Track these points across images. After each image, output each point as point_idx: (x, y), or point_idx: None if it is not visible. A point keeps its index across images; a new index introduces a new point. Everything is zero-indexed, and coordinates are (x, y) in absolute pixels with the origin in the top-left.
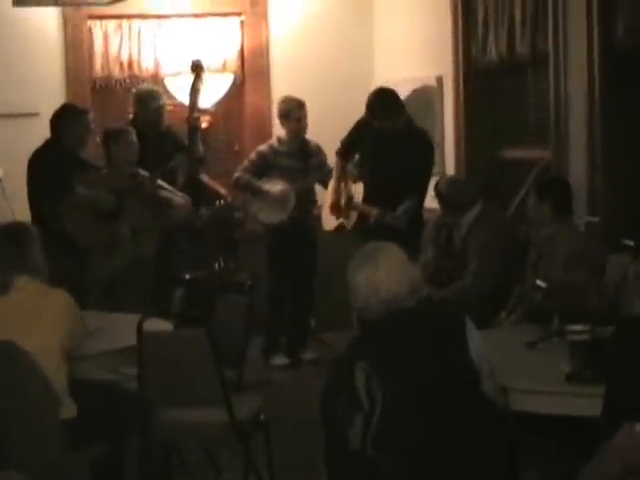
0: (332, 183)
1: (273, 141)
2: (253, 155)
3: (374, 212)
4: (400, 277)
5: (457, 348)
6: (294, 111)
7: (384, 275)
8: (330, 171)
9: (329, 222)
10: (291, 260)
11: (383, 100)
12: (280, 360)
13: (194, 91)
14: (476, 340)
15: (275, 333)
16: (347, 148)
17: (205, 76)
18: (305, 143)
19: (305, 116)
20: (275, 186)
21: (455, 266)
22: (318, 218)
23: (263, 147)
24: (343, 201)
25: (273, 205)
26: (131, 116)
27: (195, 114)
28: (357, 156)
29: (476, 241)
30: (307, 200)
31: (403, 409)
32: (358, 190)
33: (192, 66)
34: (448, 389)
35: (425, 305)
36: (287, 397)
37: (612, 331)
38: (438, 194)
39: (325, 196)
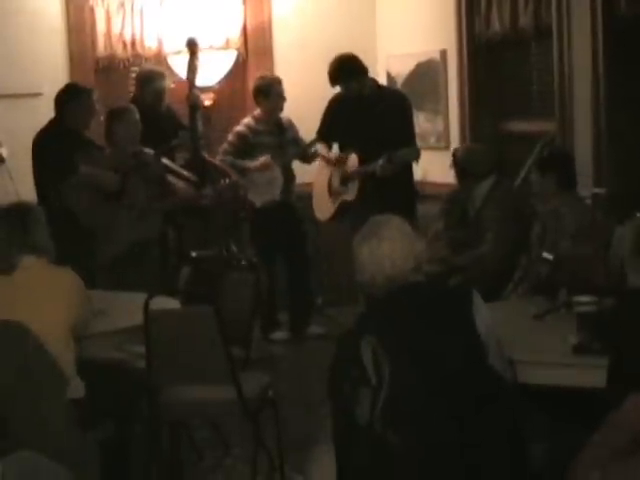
0: (323, 171)
1: (249, 120)
2: (231, 137)
3: (375, 167)
4: (406, 252)
5: (463, 323)
6: (276, 87)
7: (388, 250)
8: (308, 145)
9: (324, 212)
10: (279, 242)
11: (341, 63)
12: (280, 335)
13: (191, 69)
14: (483, 315)
15: (270, 309)
16: (324, 136)
17: (201, 54)
18: (279, 119)
19: (282, 93)
20: (257, 163)
21: (468, 238)
22: (299, 196)
23: (240, 127)
24: (338, 181)
25: (261, 185)
26: (131, 95)
27: (194, 92)
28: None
29: (491, 213)
30: (288, 177)
31: (410, 384)
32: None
33: (187, 44)
34: (454, 364)
35: (431, 280)
36: (287, 372)
37: (613, 303)
38: (455, 162)
39: (315, 186)
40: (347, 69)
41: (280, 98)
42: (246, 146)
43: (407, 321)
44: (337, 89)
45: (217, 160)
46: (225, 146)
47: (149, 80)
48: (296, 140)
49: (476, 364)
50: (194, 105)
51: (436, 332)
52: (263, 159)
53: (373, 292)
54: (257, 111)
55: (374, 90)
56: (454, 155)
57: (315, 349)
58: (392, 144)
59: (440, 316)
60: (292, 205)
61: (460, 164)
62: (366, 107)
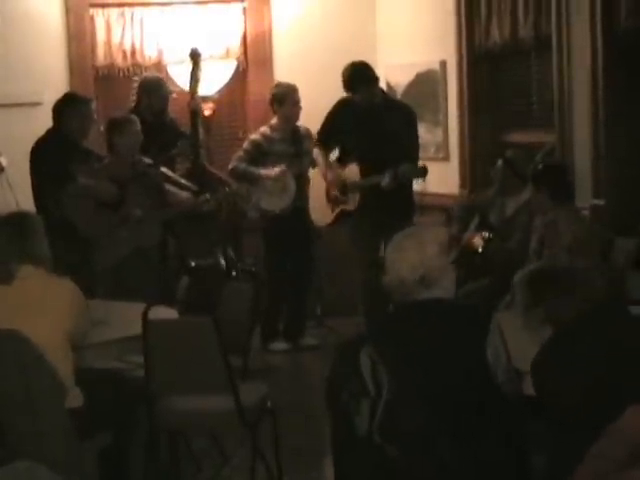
0: (323, 174)
1: (265, 129)
2: (247, 144)
3: (380, 180)
4: (438, 263)
5: (473, 346)
6: (291, 95)
7: (422, 257)
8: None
9: (325, 216)
10: (290, 247)
11: (359, 70)
12: (279, 346)
13: (193, 79)
14: (494, 337)
15: (273, 319)
16: (326, 139)
17: (203, 64)
18: (296, 128)
19: (299, 101)
20: (271, 171)
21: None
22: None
23: (256, 136)
24: (337, 189)
25: (274, 192)
26: (133, 104)
27: (196, 99)
28: (336, 150)
29: (524, 219)
30: (302, 185)
31: (409, 396)
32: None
33: (190, 54)
34: (455, 381)
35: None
36: (286, 383)
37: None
38: (508, 162)
39: (314, 190)
40: (364, 75)
41: (295, 106)
42: (260, 154)
43: (414, 337)
44: (337, 97)
45: (230, 166)
46: (239, 153)
47: (157, 87)
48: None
49: (479, 384)
50: (195, 112)
51: (442, 351)
52: (278, 169)
53: (399, 294)
54: (274, 119)
55: (383, 100)
56: (506, 156)
57: (311, 359)
58: (396, 157)
59: (450, 337)
60: (306, 213)
61: (514, 165)
62: (375, 116)
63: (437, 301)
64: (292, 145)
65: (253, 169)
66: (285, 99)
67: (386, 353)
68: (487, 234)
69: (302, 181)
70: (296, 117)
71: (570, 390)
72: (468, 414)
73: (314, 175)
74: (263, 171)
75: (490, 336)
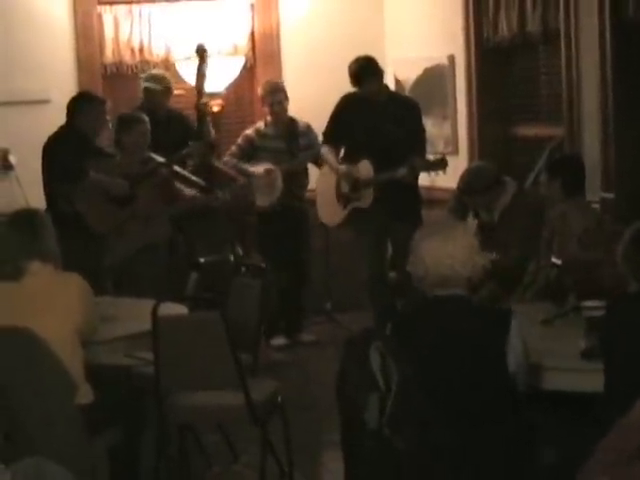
0: (328, 175)
1: (260, 124)
2: (240, 139)
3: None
4: (465, 259)
5: (490, 346)
6: (268, 97)
7: (452, 251)
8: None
9: (334, 215)
10: (282, 245)
11: (365, 63)
12: (279, 341)
13: (200, 76)
14: (517, 342)
15: (273, 315)
16: (334, 136)
17: (210, 60)
18: (293, 124)
19: (281, 100)
20: (259, 168)
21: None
22: (312, 202)
23: (249, 130)
24: (348, 187)
25: (261, 188)
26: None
27: (203, 99)
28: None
29: (512, 228)
30: (297, 184)
31: (419, 390)
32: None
33: (197, 50)
34: (469, 376)
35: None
36: (291, 377)
37: (605, 310)
38: (460, 189)
39: (320, 192)
40: (371, 69)
41: (278, 105)
42: (251, 149)
43: (428, 334)
44: (345, 92)
45: (222, 161)
46: (232, 148)
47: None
48: (312, 146)
49: (491, 383)
50: (203, 112)
51: (458, 348)
52: (265, 167)
53: (421, 288)
54: (268, 116)
55: (388, 95)
56: (458, 185)
57: (312, 354)
58: (404, 151)
59: (468, 335)
60: (297, 210)
61: (464, 187)
62: (381, 111)
63: (459, 298)
64: (285, 141)
65: (242, 165)
66: (266, 100)
67: (401, 347)
68: (492, 254)
69: (296, 178)
70: (280, 116)
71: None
72: (478, 410)
73: (321, 174)
74: (251, 168)
75: (511, 337)
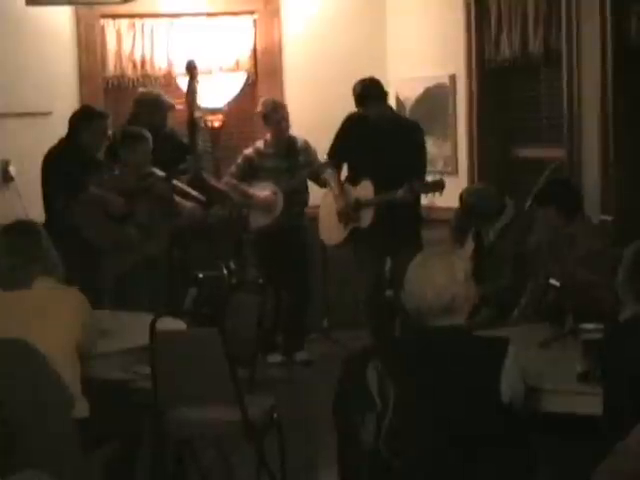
0: (332, 193)
1: (259, 143)
2: (239, 159)
3: (393, 195)
4: (464, 291)
5: (484, 380)
6: (272, 114)
7: (451, 283)
8: (321, 166)
9: (335, 235)
10: (281, 263)
11: (369, 86)
12: (275, 358)
13: (191, 92)
14: (513, 374)
15: (270, 331)
16: (337, 157)
17: (209, 76)
18: (292, 142)
19: (284, 118)
20: (263, 190)
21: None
22: (312, 219)
23: (249, 150)
24: (350, 207)
25: (261, 208)
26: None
27: (197, 113)
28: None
29: (507, 250)
30: (297, 201)
31: (414, 418)
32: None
33: (186, 67)
34: (462, 408)
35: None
36: (287, 395)
37: (603, 336)
38: (464, 205)
39: (323, 210)
40: (375, 91)
41: (279, 124)
42: (251, 169)
43: (426, 363)
44: (347, 109)
45: (223, 181)
46: (232, 168)
47: (158, 105)
48: (310, 163)
49: (485, 414)
50: (194, 125)
51: (452, 380)
52: (268, 192)
53: (415, 315)
54: (268, 134)
55: (392, 117)
56: (461, 198)
57: (308, 372)
58: (406, 173)
59: (462, 367)
60: (297, 229)
61: (469, 207)
62: (383, 133)
63: (455, 330)
64: (285, 160)
65: (242, 186)
66: (268, 118)
67: (394, 373)
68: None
69: (296, 198)
70: (282, 134)
71: None
72: (472, 434)
73: (325, 194)
74: (253, 190)
75: (506, 369)
